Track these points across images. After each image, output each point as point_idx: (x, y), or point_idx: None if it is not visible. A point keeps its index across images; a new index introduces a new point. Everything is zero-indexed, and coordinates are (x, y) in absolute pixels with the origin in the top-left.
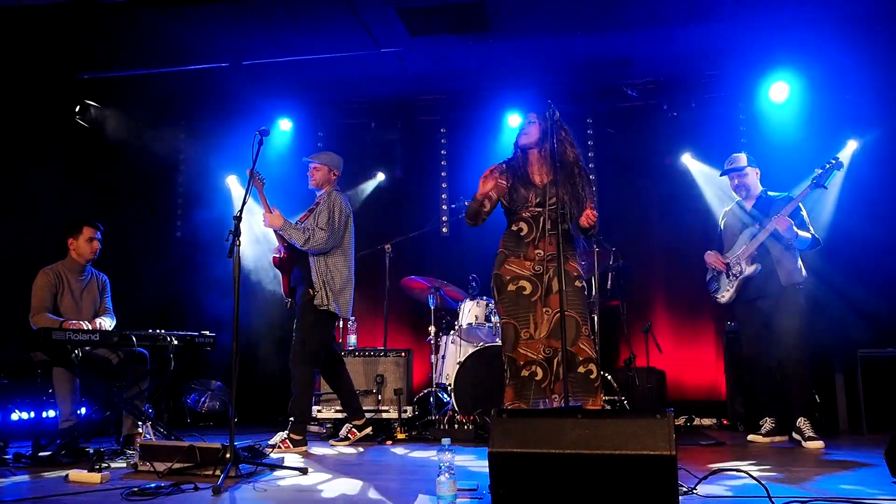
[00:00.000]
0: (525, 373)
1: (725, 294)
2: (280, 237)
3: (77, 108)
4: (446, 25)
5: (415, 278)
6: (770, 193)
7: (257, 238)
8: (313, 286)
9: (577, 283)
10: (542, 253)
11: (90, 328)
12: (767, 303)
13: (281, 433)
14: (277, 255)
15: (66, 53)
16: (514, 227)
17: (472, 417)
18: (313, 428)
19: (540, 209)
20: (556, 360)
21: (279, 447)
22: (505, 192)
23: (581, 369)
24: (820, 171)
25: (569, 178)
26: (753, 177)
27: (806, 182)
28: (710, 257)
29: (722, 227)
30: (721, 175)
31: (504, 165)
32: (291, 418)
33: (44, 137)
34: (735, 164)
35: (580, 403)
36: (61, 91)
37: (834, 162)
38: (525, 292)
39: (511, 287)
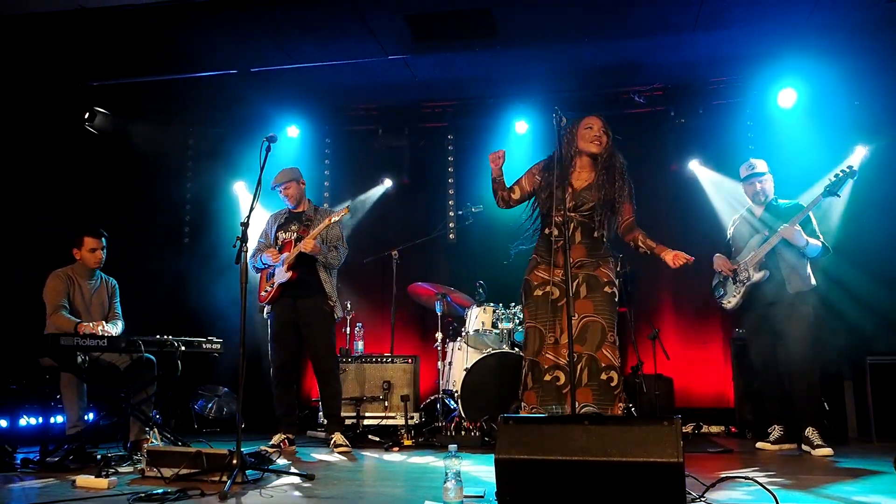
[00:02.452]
0: (548, 377)
1: (732, 300)
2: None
3: (86, 115)
4: (454, 32)
5: (422, 284)
6: (780, 201)
7: None
8: (330, 298)
9: (607, 290)
10: (572, 259)
11: (102, 331)
12: (775, 310)
13: (280, 434)
14: (283, 281)
15: (75, 61)
16: (546, 231)
17: (478, 424)
18: (319, 434)
19: (572, 214)
20: (578, 366)
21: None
22: (539, 189)
23: (603, 376)
24: (833, 178)
25: (611, 185)
26: (771, 182)
27: (818, 190)
28: (719, 260)
29: (731, 234)
30: (745, 179)
31: (543, 163)
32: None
33: (53, 144)
34: (757, 168)
35: (599, 410)
36: (70, 98)
37: (848, 170)
38: (553, 297)
39: (538, 292)
